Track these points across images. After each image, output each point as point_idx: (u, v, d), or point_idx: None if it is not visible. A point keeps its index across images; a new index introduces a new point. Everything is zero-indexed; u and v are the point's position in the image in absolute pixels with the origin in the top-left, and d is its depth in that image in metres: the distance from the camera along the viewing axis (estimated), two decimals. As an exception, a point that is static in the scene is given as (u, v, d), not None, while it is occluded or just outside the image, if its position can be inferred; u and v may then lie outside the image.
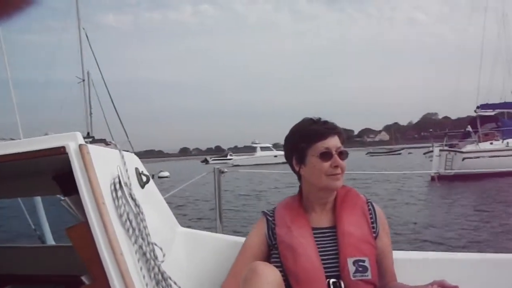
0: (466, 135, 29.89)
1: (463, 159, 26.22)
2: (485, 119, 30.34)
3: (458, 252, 2.75)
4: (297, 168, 2.18)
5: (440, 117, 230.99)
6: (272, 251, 2.13)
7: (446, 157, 26.88)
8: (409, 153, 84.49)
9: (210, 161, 75.33)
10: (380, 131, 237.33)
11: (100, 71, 36.19)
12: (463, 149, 27.25)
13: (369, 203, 2.19)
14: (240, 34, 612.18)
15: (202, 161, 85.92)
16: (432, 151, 28.75)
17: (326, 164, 2.06)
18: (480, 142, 27.98)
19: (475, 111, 30.52)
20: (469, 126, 29.38)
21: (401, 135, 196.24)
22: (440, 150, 27.61)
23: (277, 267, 1.96)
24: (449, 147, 28.36)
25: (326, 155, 2.06)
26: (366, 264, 2.01)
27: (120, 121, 36.62)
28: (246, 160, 62.95)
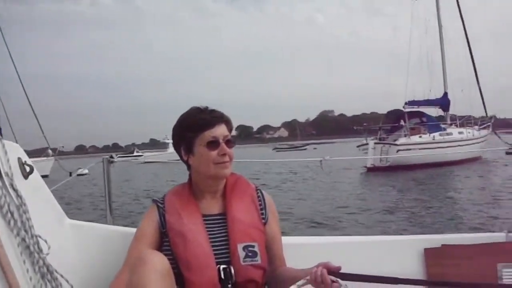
0: (395, 129, 31.67)
1: (397, 151, 27.92)
2: (411, 114, 32.08)
3: (346, 236, 3.13)
4: (185, 158, 2.19)
5: (336, 114, 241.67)
6: (164, 239, 2.11)
7: (382, 150, 28.77)
8: (314, 148, 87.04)
9: (116, 158, 71.50)
10: (279, 128, 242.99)
11: (13, 63, 32.32)
12: (397, 142, 29.07)
13: (258, 191, 2.27)
14: (140, 29, 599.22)
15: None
16: (365, 144, 30.96)
17: (214, 153, 2.09)
18: (407, 135, 29.96)
19: (403, 107, 32.33)
20: (402, 121, 30.74)
21: (300, 131, 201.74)
22: (375, 143, 29.60)
23: (168, 254, 1.99)
24: (379, 140, 30.43)
25: (213, 144, 2.09)
26: (256, 249, 2.08)
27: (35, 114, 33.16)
28: (157, 156, 60.80)
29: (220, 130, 2.10)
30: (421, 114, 32.86)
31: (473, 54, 35.16)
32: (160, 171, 36.20)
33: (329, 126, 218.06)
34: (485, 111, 35.53)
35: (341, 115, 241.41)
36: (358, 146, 32.74)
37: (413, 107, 32.97)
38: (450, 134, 31.47)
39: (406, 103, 32.74)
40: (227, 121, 2.16)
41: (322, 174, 24.67)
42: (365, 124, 34.97)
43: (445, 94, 35.03)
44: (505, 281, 2.83)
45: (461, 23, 35.66)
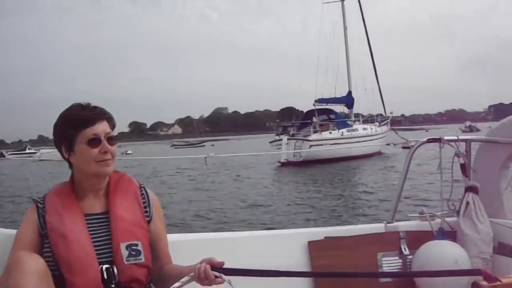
0: (305, 125, 32.96)
1: (310, 146, 29.33)
2: (320, 111, 33.83)
3: (232, 232, 3.21)
4: (66, 156, 2.15)
5: (230, 111, 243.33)
6: (44, 240, 2.04)
7: (295, 145, 29.76)
8: (212, 145, 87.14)
9: (7, 155, 66.38)
10: (173, 125, 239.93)
11: None
12: (310, 138, 30.45)
13: (142, 188, 2.26)
14: (32, 18, 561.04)
15: (-5, 155, 74.66)
16: (278, 140, 31.99)
17: (95, 151, 2.06)
18: (317, 131, 31.54)
19: (313, 105, 34.08)
20: (314, 118, 32.19)
21: (194, 128, 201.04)
22: (288, 139, 30.56)
23: (49, 256, 1.96)
24: (291, 136, 31.58)
25: (94, 142, 2.05)
26: (139, 248, 2.07)
27: None
28: (55, 154, 57.11)
29: (101, 127, 2.07)
30: (329, 111, 34.44)
31: (373, 56, 37.32)
32: (57, 169, 34.60)
33: (224, 123, 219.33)
34: (384, 110, 37.88)
35: (235, 112, 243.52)
36: (271, 142, 33.58)
37: (321, 105, 34.59)
38: (356, 130, 33.58)
39: (316, 101, 34.29)
40: (109, 118, 2.14)
41: (228, 170, 24.98)
42: (277, 121, 36.29)
43: (349, 92, 37.36)
44: (385, 268, 3.06)
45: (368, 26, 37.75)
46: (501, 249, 3.21)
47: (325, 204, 14.17)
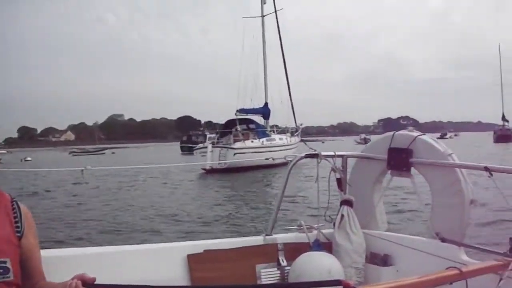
0: (225, 134, 33.93)
1: (235, 154, 30.00)
2: (241, 121, 34.84)
3: (111, 246, 3.11)
4: None
5: (126, 118, 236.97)
6: None
7: (220, 153, 30.48)
8: (112, 152, 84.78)
9: None
10: (65, 131, 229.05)
11: None
12: (234, 146, 31.25)
13: (14, 202, 2.12)
14: None
15: None
16: (203, 148, 32.49)
17: None
18: (238, 140, 32.35)
19: (235, 114, 35.01)
20: (237, 127, 33.52)
21: (88, 135, 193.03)
22: (213, 147, 31.10)
23: None
24: (213, 144, 32.01)
25: None
26: (8, 265, 1.96)
27: None
28: None
29: None
30: (250, 121, 35.56)
31: (287, 70, 39.06)
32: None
33: (119, 131, 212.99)
34: (295, 121, 39.53)
35: (131, 119, 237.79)
36: (195, 149, 33.64)
37: (242, 114, 35.50)
38: (274, 139, 34.85)
39: (238, 111, 35.21)
40: None
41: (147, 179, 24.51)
42: (201, 129, 36.31)
43: (266, 104, 38.31)
44: (263, 280, 3.17)
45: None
46: (373, 258, 3.41)
47: (243, 212, 14.05)
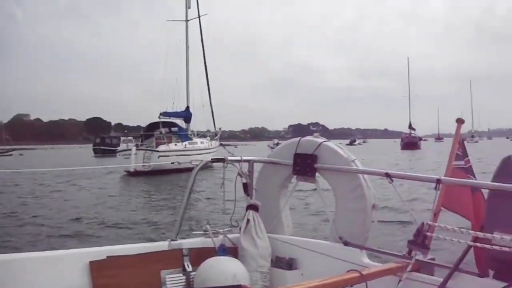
0: (148, 136, 33.66)
1: (159, 156, 29.95)
2: (164, 124, 34.65)
3: (8, 254, 2.90)
4: None
5: (32, 118, 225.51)
6: None
7: (144, 155, 30.15)
8: (20, 154, 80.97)
9: None
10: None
11: None
12: (159, 149, 31.05)
13: None
14: None
15: None
16: (126, 150, 33.30)
17: None
18: (162, 143, 32.17)
19: (159, 117, 35.07)
20: (161, 129, 33.19)
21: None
22: (137, 149, 30.85)
23: None
24: (137, 147, 31.93)
25: None
26: None
27: None
28: None
29: None
30: (172, 125, 35.52)
31: (208, 75, 39.02)
32: None
33: (25, 131, 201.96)
34: (214, 125, 39.76)
35: (38, 119, 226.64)
36: (118, 152, 33.19)
37: (165, 118, 35.49)
38: (196, 143, 35.14)
39: (161, 114, 35.26)
40: None
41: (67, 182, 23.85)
42: (126, 131, 35.80)
43: (187, 108, 38.30)
44: (168, 286, 3.11)
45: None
46: (278, 262, 3.44)
47: (161, 216, 13.48)
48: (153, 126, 34.19)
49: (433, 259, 2.89)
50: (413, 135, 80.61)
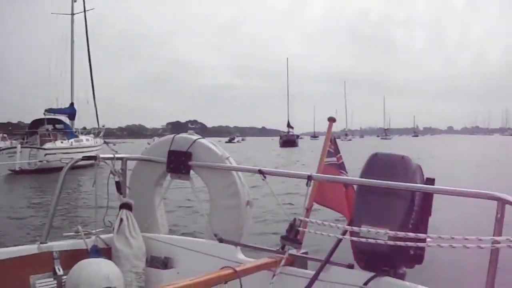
0: (32, 134, 32.45)
1: (45, 154, 29.01)
2: (49, 121, 33.56)
3: None
4: None
5: None
6: None
7: (30, 153, 29.27)
8: None
9: None
10: None
11: None
12: (45, 146, 30.08)
13: None
14: None
15: None
16: (11, 148, 31.38)
17: None
18: (48, 140, 31.34)
19: (44, 114, 33.80)
20: (48, 127, 32.40)
21: None
22: (22, 147, 29.71)
23: None
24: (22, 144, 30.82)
25: None
26: None
27: None
28: None
29: None
30: (58, 121, 34.53)
31: (92, 72, 38.76)
32: None
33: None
34: (98, 122, 39.46)
35: None
36: (1, 150, 31.71)
37: (50, 114, 34.42)
38: (82, 140, 34.49)
39: (46, 110, 34.24)
40: None
41: None
42: (10, 128, 34.01)
43: (71, 104, 37.57)
44: None
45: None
46: (153, 262, 3.36)
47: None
48: (37, 123, 32.97)
49: (306, 253, 2.97)
50: (291, 133, 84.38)
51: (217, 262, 2.78)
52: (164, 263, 3.36)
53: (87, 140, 35.50)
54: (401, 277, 2.63)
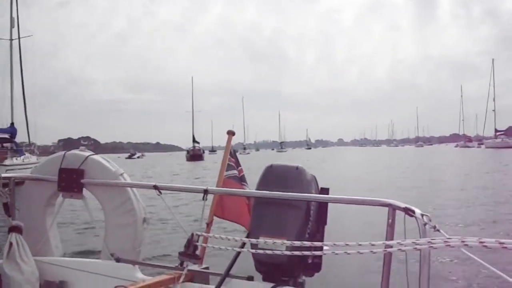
0: None
1: (6, 170, 29.04)
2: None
3: None
4: None
5: None
6: None
7: None
8: None
9: None
10: None
11: None
12: (6, 163, 31.32)
13: None
14: None
15: None
16: None
17: None
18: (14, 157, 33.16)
19: None
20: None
21: None
22: None
23: None
24: None
25: None
26: None
27: None
28: None
29: None
30: (6, 140, 36.10)
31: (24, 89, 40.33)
32: None
33: None
34: (29, 139, 41.10)
35: None
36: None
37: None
38: (29, 157, 35.24)
39: None
40: None
41: None
42: None
43: (12, 124, 39.06)
44: None
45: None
46: (47, 287, 3.15)
47: None
48: None
49: (207, 268, 2.92)
50: (197, 148, 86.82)
51: (115, 283, 2.65)
52: None
53: (32, 157, 36.02)
54: (301, 286, 2.65)
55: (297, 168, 2.76)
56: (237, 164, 3.61)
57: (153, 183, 3.05)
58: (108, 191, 3.27)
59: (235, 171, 3.56)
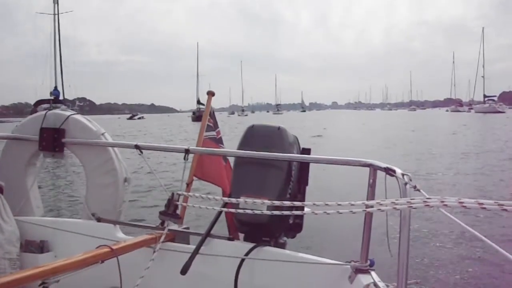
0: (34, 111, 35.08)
1: None
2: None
3: None
4: None
5: None
6: None
7: None
8: None
9: None
10: None
11: None
12: None
13: None
14: None
15: None
16: None
17: None
18: None
19: (50, 95, 40.31)
20: None
21: None
22: None
23: None
24: None
25: None
26: None
27: None
28: None
29: None
30: (59, 101, 39.18)
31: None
32: None
33: None
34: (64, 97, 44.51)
35: None
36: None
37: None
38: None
39: (51, 92, 40.79)
40: None
41: None
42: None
43: (55, 87, 43.37)
44: None
45: None
46: (28, 246, 3.13)
47: None
48: (40, 102, 38.18)
49: (187, 228, 2.91)
50: (203, 109, 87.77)
51: (96, 242, 2.56)
52: (40, 247, 3.13)
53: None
54: (282, 246, 2.64)
55: (279, 128, 2.74)
56: (216, 125, 3.61)
57: (135, 143, 3.03)
58: (89, 151, 3.24)
59: (214, 132, 3.56)
